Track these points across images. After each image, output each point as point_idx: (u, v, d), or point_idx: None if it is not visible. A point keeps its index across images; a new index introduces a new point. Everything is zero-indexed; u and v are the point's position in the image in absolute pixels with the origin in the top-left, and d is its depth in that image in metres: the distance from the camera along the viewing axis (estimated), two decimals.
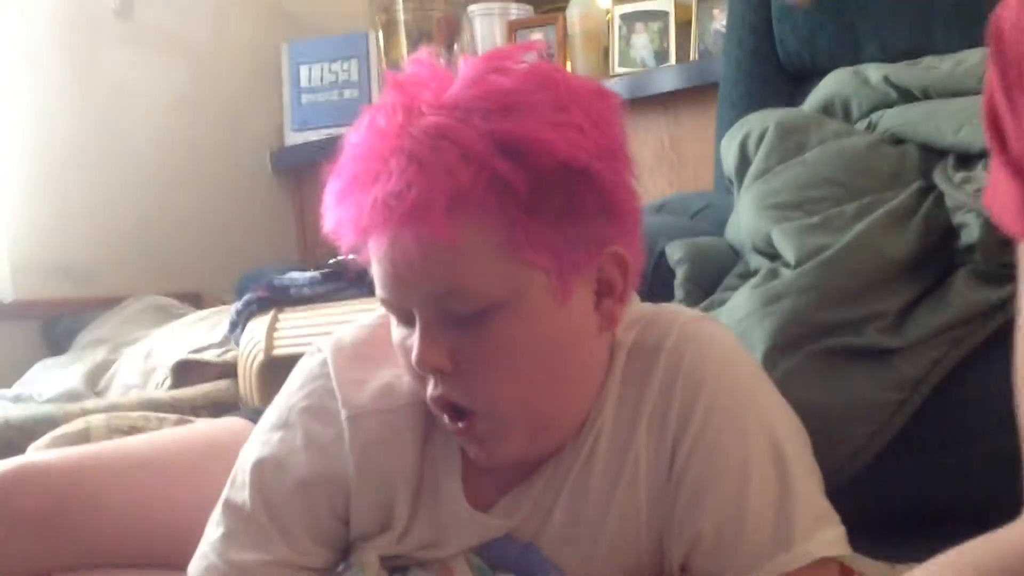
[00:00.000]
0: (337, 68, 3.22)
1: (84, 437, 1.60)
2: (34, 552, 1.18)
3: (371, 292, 2.18)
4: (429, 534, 1.02)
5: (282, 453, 1.02)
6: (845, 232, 1.31)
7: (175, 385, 2.23)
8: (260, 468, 1.03)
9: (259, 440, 1.04)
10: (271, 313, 2.19)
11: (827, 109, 1.64)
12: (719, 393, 0.97)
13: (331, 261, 2.21)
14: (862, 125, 1.57)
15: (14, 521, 1.18)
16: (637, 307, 1.03)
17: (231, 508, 1.03)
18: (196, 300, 2.90)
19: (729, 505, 0.94)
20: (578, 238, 0.92)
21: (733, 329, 1.22)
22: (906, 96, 1.56)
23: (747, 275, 1.42)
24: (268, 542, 1.01)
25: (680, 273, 1.45)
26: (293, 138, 3.22)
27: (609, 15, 2.81)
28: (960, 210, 1.30)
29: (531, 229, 0.90)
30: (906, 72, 1.59)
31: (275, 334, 2.14)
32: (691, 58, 2.66)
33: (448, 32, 3.04)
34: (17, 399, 2.31)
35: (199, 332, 2.40)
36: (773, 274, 1.34)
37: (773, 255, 1.39)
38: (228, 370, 2.24)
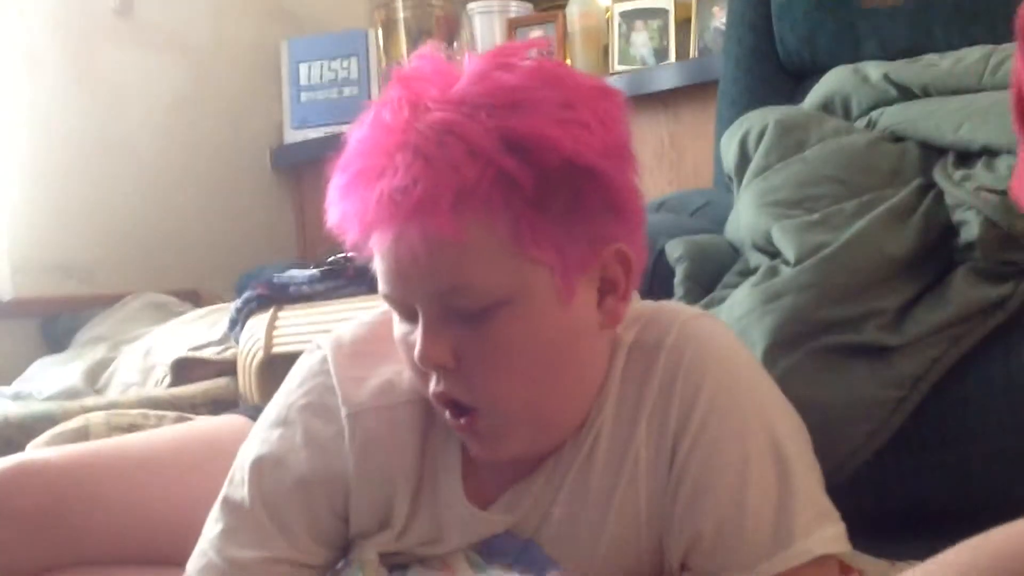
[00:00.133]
0: (337, 66, 3.21)
1: (83, 435, 1.60)
2: (33, 550, 1.18)
3: (371, 289, 2.18)
4: (429, 531, 1.02)
5: (281, 451, 1.02)
6: (845, 230, 1.31)
7: (175, 383, 2.23)
8: (259, 466, 1.02)
9: (258, 437, 1.04)
10: (271, 311, 2.19)
11: (827, 107, 1.64)
12: (719, 392, 0.97)
13: (330, 259, 2.21)
14: (862, 123, 1.57)
15: (13, 519, 1.17)
16: (637, 305, 1.03)
17: (230, 505, 1.03)
18: (196, 298, 2.90)
19: (729, 504, 0.94)
20: (583, 235, 0.92)
21: (733, 327, 1.22)
22: (906, 94, 1.56)
23: (747, 273, 1.42)
24: (267, 539, 1.01)
25: (680, 271, 1.45)
26: (292, 136, 3.22)
27: (609, 13, 2.81)
28: (960, 208, 1.30)
29: (537, 226, 0.90)
30: (906, 70, 1.59)
31: (275, 332, 2.14)
32: (691, 56, 2.66)
33: (448, 30, 3.04)
34: (16, 397, 2.31)
35: (199, 330, 2.40)
36: (773, 272, 1.34)
37: (773, 253, 1.39)
38: (227, 368, 2.24)
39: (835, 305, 1.26)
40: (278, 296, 2.21)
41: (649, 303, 1.05)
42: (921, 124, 1.46)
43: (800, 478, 0.95)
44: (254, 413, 1.18)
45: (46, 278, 2.81)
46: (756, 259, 1.42)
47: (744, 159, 1.54)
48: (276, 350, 2.11)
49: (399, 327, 0.97)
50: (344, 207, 0.92)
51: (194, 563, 1.03)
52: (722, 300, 1.37)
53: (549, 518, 1.00)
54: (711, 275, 1.46)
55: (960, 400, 1.23)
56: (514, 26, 2.91)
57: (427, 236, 0.88)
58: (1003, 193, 1.26)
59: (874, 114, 1.55)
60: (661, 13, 2.73)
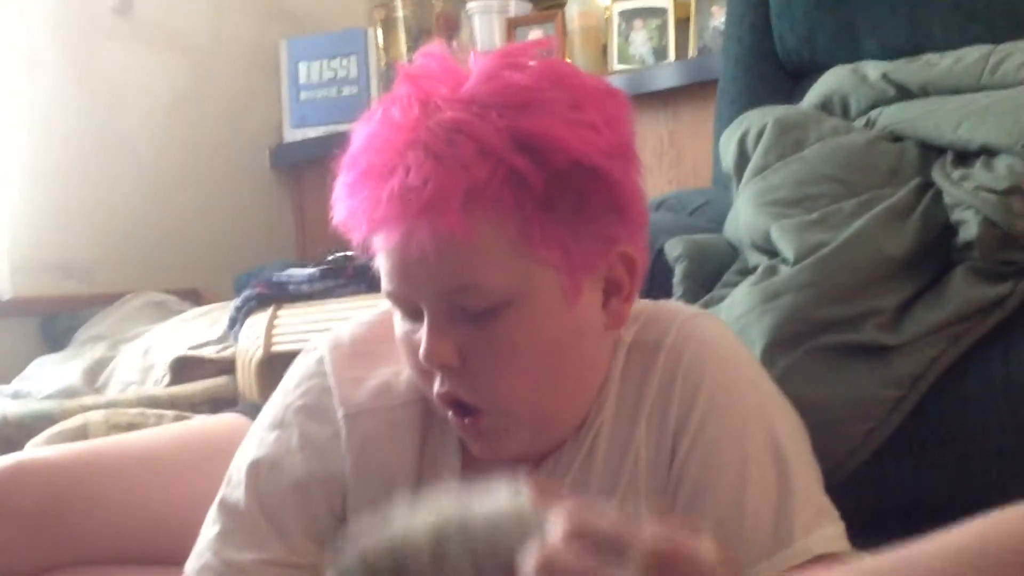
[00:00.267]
0: (336, 65, 3.21)
1: (82, 434, 1.60)
2: (32, 549, 1.18)
3: (370, 288, 2.18)
4: None
5: (278, 453, 1.02)
6: (844, 229, 1.31)
7: (174, 382, 2.23)
8: (256, 468, 1.02)
9: (255, 439, 1.04)
10: (270, 310, 2.19)
11: (826, 106, 1.64)
12: (718, 391, 0.97)
13: (330, 258, 2.21)
14: (861, 122, 1.57)
15: (12, 518, 1.18)
16: (636, 304, 1.03)
17: (227, 507, 1.03)
18: (195, 297, 2.90)
19: (728, 503, 0.94)
20: (589, 237, 0.92)
21: (732, 326, 1.22)
22: (905, 93, 1.56)
23: (746, 272, 1.42)
24: (264, 541, 1.00)
25: (679, 270, 1.45)
26: (292, 135, 3.21)
27: (608, 12, 2.81)
28: (958, 207, 1.30)
29: (546, 226, 0.90)
30: (905, 69, 1.59)
31: (274, 331, 2.14)
32: (690, 55, 2.65)
33: (447, 29, 3.04)
34: (16, 396, 2.31)
35: (198, 329, 2.40)
36: (772, 271, 1.34)
37: (772, 252, 1.39)
38: (227, 366, 2.23)
39: (834, 304, 1.26)
40: (277, 295, 2.21)
41: (648, 302, 1.05)
42: (920, 123, 1.46)
43: (799, 477, 0.95)
44: (253, 412, 1.18)
45: (45, 277, 2.81)
46: (755, 258, 1.42)
47: (743, 158, 1.54)
48: (275, 349, 2.11)
49: (401, 326, 0.96)
50: (352, 204, 0.92)
51: (192, 564, 1.02)
52: (721, 299, 1.37)
53: None
54: (710, 274, 1.46)
55: (959, 399, 1.23)
56: (513, 25, 2.91)
57: (436, 235, 0.88)
58: (1002, 193, 1.26)
59: (873, 113, 1.55)
60: (660, 12, 2.73)
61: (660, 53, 2.72)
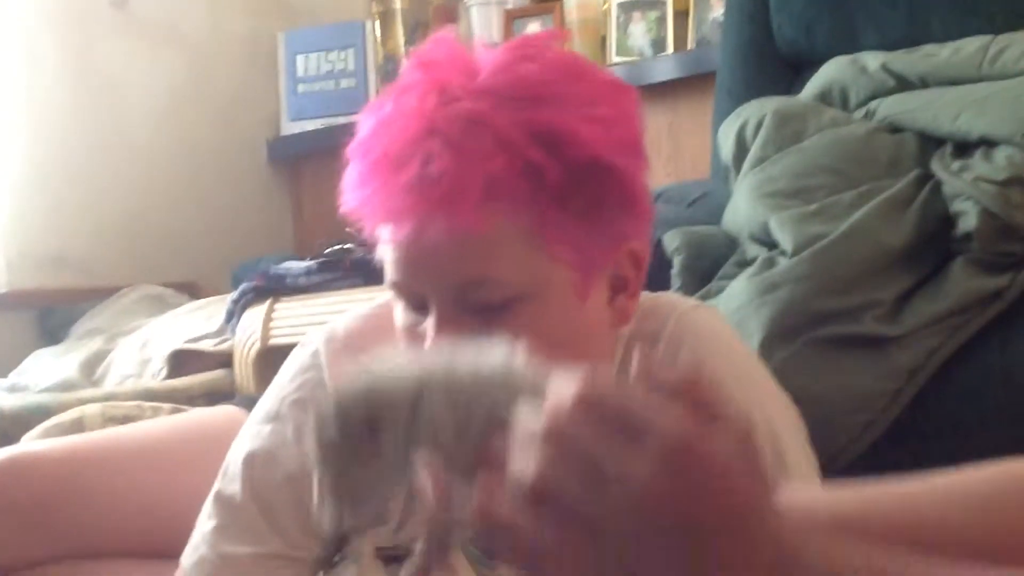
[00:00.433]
0: (334, 58, 3.20)
1: (78, 427, 1.60)
2: (28, 542, 1.18)
3: (368, 281, 2.17)
4: None
5: (273, 446, 1.01)
6: (842, 220, 1.31)
7: (171, 375, 2.22)
8: (251, 461, 1.02)
9: (250, 432, 1.04)
10: (267, 303, 2.18)
11: (825, 97, 1.64)
12: (715, 383, 0.96)
13: (327, 251, 2.21)
14: (860, 113, 1.56)
15: (7, 511, 1.17)
16: None
17: (222, 500, 1.02)
18: (192, 290, 2.89)
19: None
20: (601, 234, 0.92)
21: (730, 318, 1.22)
22: (904, 84, 1.56)
23: (744, 264, 1.41)
24: (260, 535, 1.00)
25: (677, 262, 1.45)
26: (289, 128, 3.20)
27: (606, 4, 2.80)
28: (958, 198, 1.29)
29: (560, 222, 0.89)
30: (904, 60, 1.59)
31: (271, 324, 2.14)
32: (689, 47, 2.65)
33: (445, 21, 3.03)
34: (12, 389, 2.30)
35: (195, 322, 2.40)
36: (770, 263, 1.34)
37: (770, 244, 1.38)
38: (224, 360, 2.23)
39: (832, 296, 1.26)
40: (275, 288, 2.20)
41: (647, 294, 1.05)
42: (919, 114, 1.46)
43: (796, 470, 0.95)
44: (250, 405, 1.17)
45: (42, 270, 2.81)
46: (753, 250, 1.42)
47: (742, 150, 1.54)
48: (273, 342, 2.11)
49: (404, 317, 0.95)
50: (364, 193, 0.90)
51: (188, 557, 1.02)
52: (719, 291, 1.37)
53: None
54: (708, 266, 1.45)
55: (957, 391, 1.23)
56: (512, 17, 2.90)
57: (451, 227, 0.87)
58: (1001, 183, 1.26)
59: (872, 104, 1.55)
60: (659, 4, 2.72)
61: (659, 45, 2.71)
